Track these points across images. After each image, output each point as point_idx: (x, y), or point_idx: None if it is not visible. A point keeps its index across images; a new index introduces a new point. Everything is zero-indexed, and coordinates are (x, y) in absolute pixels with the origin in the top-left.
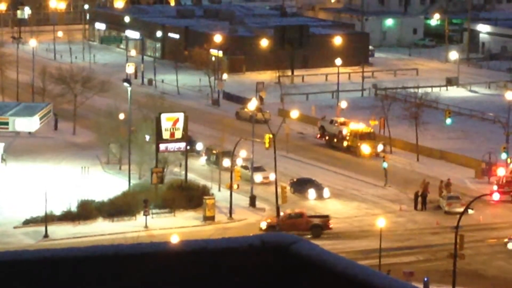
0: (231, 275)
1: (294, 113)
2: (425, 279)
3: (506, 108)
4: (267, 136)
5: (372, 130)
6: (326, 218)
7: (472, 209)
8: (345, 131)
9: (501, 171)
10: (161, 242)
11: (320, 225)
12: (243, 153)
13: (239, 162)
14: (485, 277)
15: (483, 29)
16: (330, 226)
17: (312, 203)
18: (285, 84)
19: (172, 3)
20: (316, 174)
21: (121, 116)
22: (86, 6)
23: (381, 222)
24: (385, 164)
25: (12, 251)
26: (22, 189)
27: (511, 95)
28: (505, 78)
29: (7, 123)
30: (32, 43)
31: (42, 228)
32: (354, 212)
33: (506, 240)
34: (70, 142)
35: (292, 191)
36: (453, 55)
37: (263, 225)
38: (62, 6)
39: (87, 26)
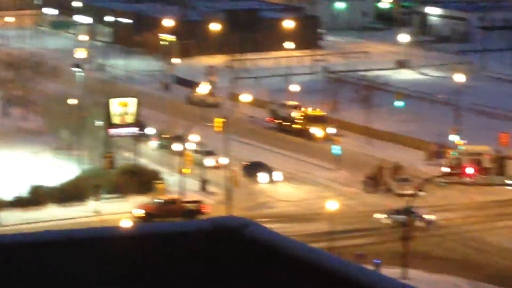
0: (183, 258)
1: (245, 97)
2: (377, 261)
3: (456, 90)
4: (218, 120)
5: (323, 114)
6: (198, 203)
7: (423, 191)
8: (296, 114)
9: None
10: (113, 226)
11: (194, 210)
12: (194, 137)
13: (191, 146)
14: (436, 258)
15: (433, 12)
16: (203, 210)
17: (264, 187)
18: (236, 68)
19: None
20: (267, 157)
21: (72, 101)
22: None
23: (332, 205)
24: (336, 147)
25: None
26: None
27: (461, 77)
28: (455, 60)
29: None
30: None
31: None
32: (305, 195)
33: (378, 215)
34: (21, 128)
35: (243, 175)
36: (404, 38)
37: (138, 212)
38: None
39: (37, 12)
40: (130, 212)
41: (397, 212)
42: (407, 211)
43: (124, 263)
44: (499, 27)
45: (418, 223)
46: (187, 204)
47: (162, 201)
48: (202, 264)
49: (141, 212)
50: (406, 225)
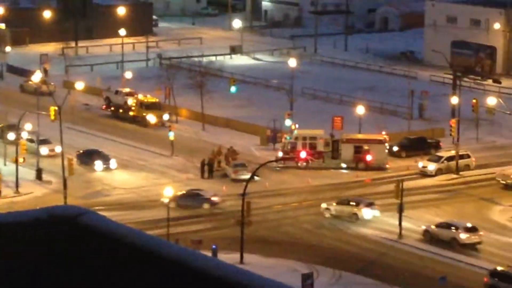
0: (19, 249)
1: (79, 85)
2: (213, 246)
3: (289, 75)
4: (52, 109)
5: (157, 100)
6: None
7: (258, 176)
8: (131, 101)
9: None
10: None
11: None
12: (28, 126)
13: (25, 135)
14: (273, 243)
15: None
16: None
17: (99, 174)
18: (69, 55)
19: None
20: (102, 145)
21: None
22: None
23: (168, 192)
24: (171, 134)
25: None
26: None
27: (294, 62)
28: (288, 45)
29: None
30: None
31: None
32: (141, 182)
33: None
34: None
35: (79, 163)
36: (237, 23)
37: None
38: None
39: None
40: None
41: (184, 195)
42: (193, 194)
43: None
44: (330, 12)
45: (205, 206)
46: None
47: None
48: (38, 254)
49: None
50: (193, 208)
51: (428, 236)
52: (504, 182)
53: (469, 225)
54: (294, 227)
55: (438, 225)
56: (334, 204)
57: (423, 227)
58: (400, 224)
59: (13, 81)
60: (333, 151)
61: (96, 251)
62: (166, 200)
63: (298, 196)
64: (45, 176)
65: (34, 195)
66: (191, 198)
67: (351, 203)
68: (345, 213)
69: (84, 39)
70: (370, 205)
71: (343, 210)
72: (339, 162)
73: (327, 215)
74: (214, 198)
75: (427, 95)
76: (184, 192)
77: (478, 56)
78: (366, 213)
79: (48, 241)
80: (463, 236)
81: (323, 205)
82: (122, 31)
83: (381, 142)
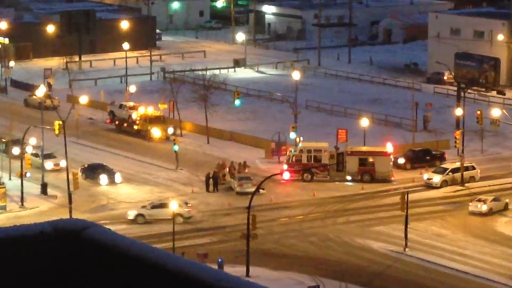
0: (24, 263)
1: (83, 99)
2: (219, 260)
3: (293, 87)
4: (57, 123)
5: (161, 114)
6: None
7: (263, 189)
8: (135, 115)
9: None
10: None
11: None
12: (33, 141)
13: (29, 149)
14: (278, 255)
15: (268, 10)
16: None
17: (104, 189)
18: (73, 70)
19: None
20: (107, 159)
21: None
22: None
23: (173, 205)
24: (176, 147)
25: None
26: None
27: (298, 75)
28: (291, 58)
29: None
30: None
31: None
32: (146, 196)
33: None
34: None
35: (83, 177)
36: (240, 36)
37: None
38: None
39: None
40: None
41: None
42: None
43: None
44: (333, 25)
45: None
46: None
47: None
48: (44, 268)
49: None
50: None
51: (142, 220)
52: None
53: (186, 201)
54: (299, 239)
55: (154, 206)
56: None
57: (135, 212)
58: (405, 236)
59: (17, 95)
60: (338, 164)
61: (101, 265)
62: None
63: (304, 208)
64: (50, 191)
65: (39, 209)
66: None
67: None
68: None
69: (87, 53)
70: None
71: None
72: (344, 174)
73: None
74: None
75: (431, 107)
76: None
77: (482, 68)
78: None
79: (53, 254)
80: (186, 208)
81: None
82: (126, 45)
83: (385, 154)
